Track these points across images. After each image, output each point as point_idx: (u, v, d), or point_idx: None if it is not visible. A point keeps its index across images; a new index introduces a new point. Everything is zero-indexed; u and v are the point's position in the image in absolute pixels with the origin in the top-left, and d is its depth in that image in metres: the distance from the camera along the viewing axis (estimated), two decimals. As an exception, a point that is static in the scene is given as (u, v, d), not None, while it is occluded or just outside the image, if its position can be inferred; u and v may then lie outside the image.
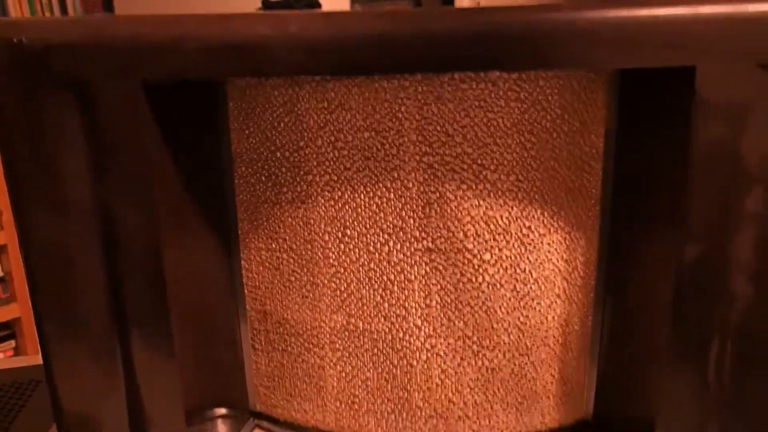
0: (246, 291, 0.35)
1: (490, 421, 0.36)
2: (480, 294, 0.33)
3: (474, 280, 0.33)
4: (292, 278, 0.34)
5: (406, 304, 0.33)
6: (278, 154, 0.32)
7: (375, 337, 0.34)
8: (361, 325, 0.34)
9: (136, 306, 0.31)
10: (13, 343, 1.36)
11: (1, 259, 1.37)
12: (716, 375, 0.31)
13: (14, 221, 0.31)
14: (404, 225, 0.32)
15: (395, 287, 0.33)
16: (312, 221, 0.33)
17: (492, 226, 0.32)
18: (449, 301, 0.33)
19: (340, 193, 0.32)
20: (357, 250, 0.33)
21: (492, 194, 0.32)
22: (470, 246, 0.32)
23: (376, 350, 0.34)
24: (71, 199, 0.29)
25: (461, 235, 0.32)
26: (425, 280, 0.33)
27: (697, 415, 0.31)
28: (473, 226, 0.32)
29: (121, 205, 0.29)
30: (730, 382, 0.30)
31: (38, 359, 0.56)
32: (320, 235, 0.33)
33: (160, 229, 0.30)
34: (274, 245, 0.34)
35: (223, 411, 0.37)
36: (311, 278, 0.34)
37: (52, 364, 0.33)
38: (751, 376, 0.30)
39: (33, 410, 0.48)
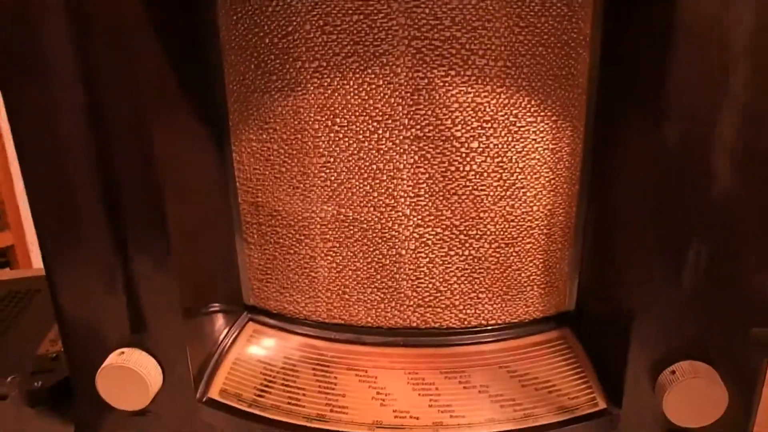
0: (238, 183, 0.36)
1: (476, 310, 0.37)
2: (467, 183, 0.34)
3: (461, 168, 0.33)
4: (283, 169, 0.35)
5: (395, 193, 0.34)
6: (267, 40, 0.32)
7: (365, 226, 0.35)
8: (351, 214, 0.35)
9: (131, 200, 0.32)
10: (7, 270, 1.38)
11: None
12: (694, 265, 0.32)
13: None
14: (393, 112, 0.32)
15: (384, 176, 0.34)
16: (302, 110, 0.33)
17: (480, 114, 0.32)
18: (437, 190, 0.34)
19: (329, 80, 0.32)
20: (346, 138, 0.33)
21: (480, 80, 0.32)
22: (458, 134, 0.33)
23: (365, 240, 0.35)
24: (56, 76, 0.29)
25: (449, 122, 0.32)
26: (414, 169, 0.33)
27: (673, 303, 0.33)
28: (461, 114, 0.32)
29: (107, 89, 0.29)
30: (707, 272, 0.31)
31: (36, 271, 0.57)
32: (310, 123, 0.33)
33: (148, 115, 0.30)
34: (264, 136, 0.34)
35: (216, 306, 0.38)
36: (302, 168, 0.34)
37: (52, 268, 0.34)
38: (728, 263, 0.32)
39: (33, 315, 0.49)
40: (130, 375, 0.34)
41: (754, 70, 0.28)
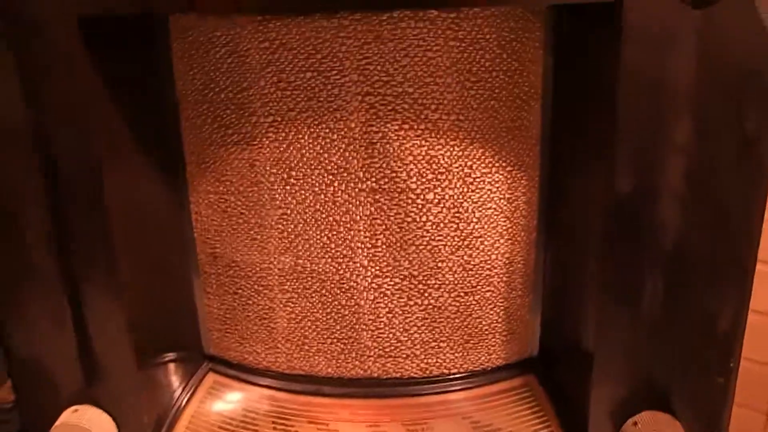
0: (195, 234, 0.36)
1: (437, 359, 0.36)
2: (425, 233, 0.34)
3: (418, 219, 0.33)
4: (240, 220, 0.34)
5: (352, 244, 0.34)
6: (222, 96, 0.32)
7: (323, 277, 0.35)
8: (309, 265, 0.35)
9: (82, 246, 0.31)
10: None
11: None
12: (649, 309, 0.32)
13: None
14: (348, 165, 0.32)
15: (341, 228, 0.34)
16: (258, 163, 0.33)
17: (434, 166, 0.32)
18: (394, 241, 0.34)
19: (284, 134, 0.32)
20: (303, 191, 0.33)
21: (433, 134, 0.32)
22: (413, 186, 0.33)
23: (324, 291, 0.35)
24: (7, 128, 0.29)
25: (404, 174, 0.33)
26: (370, 220, 0.33)
27: (631, 345, 0.33)
28: (416, 166, 0.32)
29: (60, 140, 0.29)
30: (662, 310, 0.32)
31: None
32: (266, 176, 0.33)
33: (101, 168, 0.30)
34: (221, 188, 0.34)
35: (176, 355, 0.38)
36: (259, 220, 0.34)
37: (2, 318, 0.33)
38: (682, 304, 0.32)
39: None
40: (84, 434, 0.33)
41: (696, 119, 0.28)
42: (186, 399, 0.37)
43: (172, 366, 0.38)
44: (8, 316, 0.33)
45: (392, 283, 0.35)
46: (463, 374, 0.37)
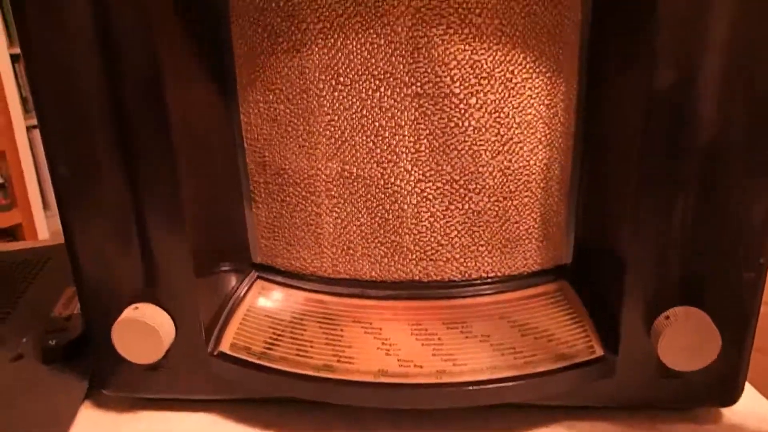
0: (246, 144, 0.37)
1: (476, 263, 0.38)
2: (466, 138, 0.35)
3: (461, 124, 0.35)
4: (289, 128, 0.36)
5: (397, 149, 0.35)
6: (273, 4, 0.33)
7: (368, 182, 0.36)
8: (355, 171, 0.36)
9: (146, 155, 0.33)
10: (20, 242, 1.39)
11: (1, 166, 1.38)
12: (683, 212, 0.33)
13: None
14: (394, 70, 0.34)
15: (386, 133, 0.35)
16: (307, 70, 0.34)
17: (477, 71, 0.34)
18: (437, 146, 0.35)
19: (333, 40, 0.33)
20: (350, 97, 0.34)
21: (477, 38, 0.33)
22: (457, 90, 0.34)
23: (369, 196, 0.36)
24: (73, 28, 0.30)
25: (448, 79, 0.34)
26: (415, 125, 0.35)
27: (664, 246, 0.34)
28: (459, 71, 0.33)
29: (124, 49, 0.30)
30: (695, 210, 0.33)
31: (46, 242, 0.59)
32: (315, 83, 0.35)
33: (162, 76, 0.32)
34: (271, 96, 0.36)
35: (227, 264, 0.39)
36: (307, 127, 0.36)
37: (68, 226, 0.35)
38: (714, 202, 0.33)
39: (45, 281, 0.50)
40: (144, 328, 0.35)
41: (737, 10, 0.29)
42: (238, 302, 0.39)
43: (224, 272, 0.40)
44: (74, 219, 0.35)
45: (434, 187, 0.36)
46: (501, 278, 0.38)
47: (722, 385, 0.37)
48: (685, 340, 0.34)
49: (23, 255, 0.57)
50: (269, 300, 0.39)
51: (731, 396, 0.37)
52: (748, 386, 0.39)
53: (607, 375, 0.36)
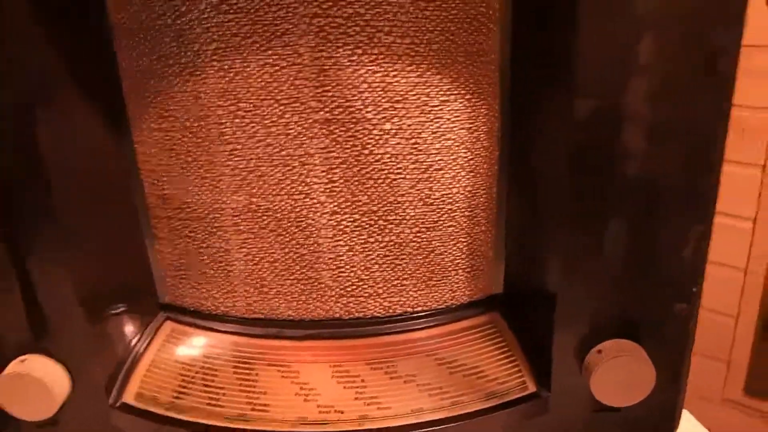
0: (142, 176, 0.34)
1: (400, 298, 0.36)
2: (383, 166, 0.32)
3: (375, 151, 0.32)
4: (189, 159, 0.33)
5: (308, 179, 0.32)
6: (159, 22, 0.30)
7: (279, 215, 0.33)
8: (263, 203, 0.33)
9: (20, 196, 0.30)
10: None
11: None
12: (613, 241, 0.31)
13: None
14: (299, 95, 0.31)
15: (296, 162, 0.32)
16: (203, 95, 0.31)
17: (390, 94, 0.31)
18: (352, 175, 0.32)
19: (229, 63, 0.30)
20: (253, 124, 0.31)
21: (388, 59, 0.30)
22: (369, 115, 0.31)
23: (281, 230, 0.34)
24: None
25: (359, 103, 0.31)
26: (326, 153, 0.32)
27: (595, 279, 0.32)
28: (371, 94, 0.31)
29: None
30: (626, 241, 0.31)
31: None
32: (213, 110, 0.31)
33: (33, 105, 0.28)
34: (165, 124, 0.32)
35: (130, 304, 0.36)
36: (208, 157, 0.32)
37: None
38: (646, 233, 0.31)
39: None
40: (33, 383, 0.31)
41: (661, 38, 0.27)
42: (143, 347, 0.36)
43: (126, 316, 0.36)
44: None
45: (351, 219, 0.33)
46: (427, 312, 0.36)
47: (659, 417, 0.35)
48: (618, 374, 0.32)
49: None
50: (179, 345, 0.36)
51: (668, 427, 0.36)
52: (685, 413, 0.38)
53: (540, 412, 0.34)
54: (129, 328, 0.36)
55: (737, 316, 0.97)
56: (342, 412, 0.34)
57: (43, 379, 0.32)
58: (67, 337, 0.32)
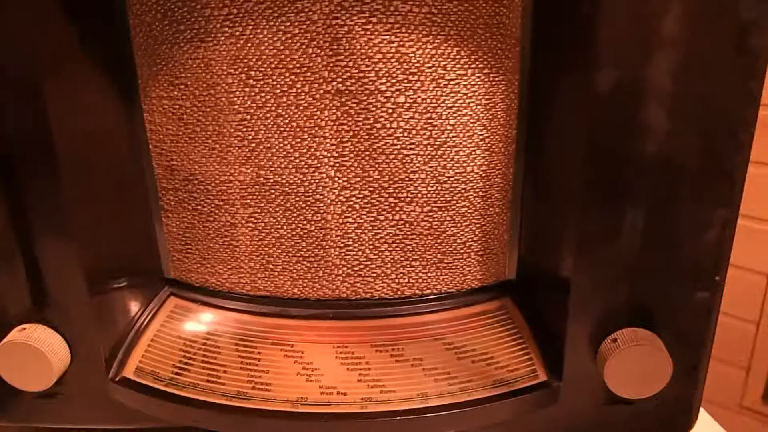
0: (150, 145, 0.33)
1: (409, 279, 0.35)
2: (395, 141, 0.31)
3: (388, 125, 0.31)
4: (197, 128, 0.32)
5: (318, 152, 0.32)
6: (172, -15, 0.30)
7: (287, 189, 0.32)
8: (272, 177, 0.32)
9: (25, 163, 0.29)
10: None
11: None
12: (631, 226, 0.30)
13: None
14: (311, 64, 0.30)
15: (305, 134, 0.31)
16: (213, 62, 0.30)
17: (405, 65, 0.30)
18: (363, 149, 0.31)
19: (241, 29, 0.30)
20: (263, 93, 0.30)
21: (404, 28, 0.29)
22: (383, 87, 0.30)
23: (288, 204, 0.33)
24: None
25: (373, 75, 0.30)
26: (337, 126, 0.31)
27: (612, 263, 0.31)
28: (385, 65, 0.30)
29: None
30: (646, 224, 0.30)
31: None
32: (223, 78, 0.31)
33: (41, 72, 0.28)
34: (175, 92, 0.31)
35: (134, 279, 0.36)
36: (217, 127, 0.32)
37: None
38: (667, 215, 0.30)
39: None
40: (32, 353, 0.31)
41: (688, 10, 0.26)
42: (145, 322, 0.35)
43: (130, 289, 0.36)
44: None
45: (361, 195, 0.32)
46: (437, 295, 0.35)
47: (674, 412, 0.33)
48: (634, 364, 0.31)
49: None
50: (181, 320, 0.35)
51: (684, 424, 0.35)
52: (702, 412, 0.37)
53: (550, 402, 0.33)
54: (132, 302, 0.36)
55: (758, 322, 0.95)
56: (345, 394, 0.33)
57: (41, 348, 0.31)
58: (68, 309, 0.32)
